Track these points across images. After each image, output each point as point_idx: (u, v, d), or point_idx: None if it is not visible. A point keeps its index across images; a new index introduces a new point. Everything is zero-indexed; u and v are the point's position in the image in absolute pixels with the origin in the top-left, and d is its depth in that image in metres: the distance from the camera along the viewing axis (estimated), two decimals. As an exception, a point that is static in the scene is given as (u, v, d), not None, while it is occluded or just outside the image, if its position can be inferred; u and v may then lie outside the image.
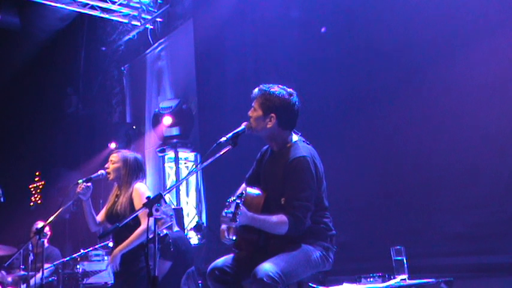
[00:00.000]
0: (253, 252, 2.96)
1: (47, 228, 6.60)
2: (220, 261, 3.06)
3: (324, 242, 3.03)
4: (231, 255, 3.08)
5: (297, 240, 2.96)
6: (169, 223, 5.44)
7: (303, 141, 3.14)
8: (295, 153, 2.99)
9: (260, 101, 3.06)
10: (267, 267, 2.74)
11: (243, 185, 3.33)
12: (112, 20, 9.86)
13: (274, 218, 2.86)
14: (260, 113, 3.05)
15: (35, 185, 12.06)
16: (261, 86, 3.12)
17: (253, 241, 2.96)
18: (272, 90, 3.07)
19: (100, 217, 4.21)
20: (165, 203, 6.30)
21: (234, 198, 2.70)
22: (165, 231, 5.30)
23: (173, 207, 7.66)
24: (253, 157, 3.39)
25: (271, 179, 3.09)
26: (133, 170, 4.13)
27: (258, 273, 2.72)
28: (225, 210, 2.69)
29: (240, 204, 2.68)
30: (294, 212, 2.86)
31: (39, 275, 4.70)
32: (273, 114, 3.02)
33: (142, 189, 4.03)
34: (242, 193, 2.82)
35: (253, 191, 3.07)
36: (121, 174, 4.12)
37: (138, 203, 3.92)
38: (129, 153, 4.25)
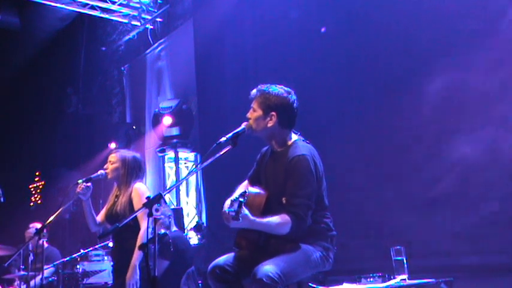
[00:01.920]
0: (254, 251, 2.96)
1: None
2: (221, 259, 3.06)
3: (325, 242, 3.03)
4: (232, 254, 3.08)
5: (297, 240, 2.95)
6: (167, 223, 5.45)
7: (303, 141, 3.14)
8: (294, 152, 3.00)
9: (259, 101, 3.07)
10: (267, 267, 2.74)
11: (245, 182, 3.33)
12: (112, 20, 9.86)
13: (276, 219, 2.85)
14: (260, 113, 3.05)
15: (35, 185, 12.07)
16: (259, 86, 3.13)
17: (253, 240, 2.96)
18: (271, 89, 3.09)
19: (100, 217, 4.21)
20: (165, 203, 6.31)
21: (237, 196, 2.69)
22: (162, 231, 5.31)
23: (173, 207, 7.67)
24: (253, 157, 3.39)
25: (273, 179, 3.09)
26: (132, 170, 4.12)
27: (258, 273, 2.72)
28: (228, 208, 2.69)
29: (243, 204, 2.67)
30: (295, 210, 2.87)
31: (39, 278, 4.70)
32: (273, 113, 3.04)
33: (142, 189, 4.03)
34: (245, 191, 2.80)
35: (255, 190, 3.07)
36: (120, 174, 4.12)
37: (137, 203, 3.92)
38: (127, 153, 4.25)
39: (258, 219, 2.82)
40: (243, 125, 3.04)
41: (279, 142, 3.12)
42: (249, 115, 3.10)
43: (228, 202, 2.86)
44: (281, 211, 2.88)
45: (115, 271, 4.17)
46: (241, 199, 2.66)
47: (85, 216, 4.14)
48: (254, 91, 3.13)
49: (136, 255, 3.85)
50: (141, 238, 3.85)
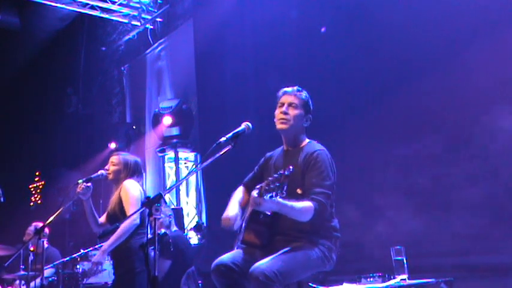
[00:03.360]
0: (260, 249, 2.96)
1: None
2: (227, 257, 3.04)
3: (329, 242, 3.04)
4: (238, 251, 3.07)
5: (302, 238, 2.97)
6: (167, 223, 5.46)
7: (317, 143, 3.23)
8: (314, 147, 3.13)
9: (304, 101, 3.19)
10: (263, 266, 2.75)
11: (241, 188, 3.34)
12: (112, 20, 9.87)
13: (300, 204, 2.86)
14: (302, 112, 3.18)
15: (35, 185, 12.07)
16: (295, 86, 3.24)
17: (260, 237, 2.95)
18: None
19: (103, 218, 4.24)
20: (165, 203, 6.31)
21: (282, 172, 2.61)
22: (163, 230, 5.32)
23: (173, 207, 7.67)
24: (252, 158, 3.39)
25: None
26: (133, 173, 4.16)
27: (254, 271, 2.73)
28: (267, 186, 2.60)
29: (289, 175, 2.61)
30: (317, 197, 2.90)
31: (38, 280, 4.70)
32: (310, 116, 3.23)
33: (128, 185, 4.04)
34: (290, 168, 2.69)
35: None
36: (120, 176, 4.14)
37: (125, 199, 3.95)
38: (129, 157, 4.28)
39: (283, 201, 2.79)
40: (243, 125, 3.03)
41: (297, 142, 3.20)
42: (286, 110, 3.14)
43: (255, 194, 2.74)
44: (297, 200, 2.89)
45: (114, 268, 4.18)
46: (286, 172, 2.60)
47: (86, 216, 4.15)
48: (293, 89, 3.21)
49: (109, 241, 3.91)
50: (122, 228, 3.85)
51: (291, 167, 2.71)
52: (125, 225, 3.87)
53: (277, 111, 3.20)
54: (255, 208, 2.79)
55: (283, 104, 3.17)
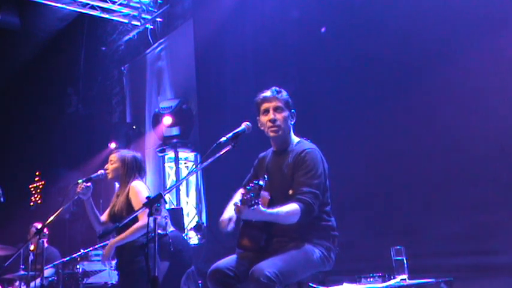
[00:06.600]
0: (256, 252, 2.95)
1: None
2: (221, 263, 3.03)
3: (327, 241, 3.04)
4: (233, 256, 3.07)
5: (299, 239, 2.96)
6: (164, 224, 5.45)
7: (309, 141, 3.20)
8: (303, 146, 3.09)
9: (285, 100, 3.13)
10: (264, 267, 2.74)
11: (241, 190, 3.33)
12: (112, 20, 9.87)
13: (285, 208, 2.84)
14: (287, 113, 3.13)
15: (35, 185, 12.07)
16: (272, 88, 3.15)
17: (256, 239, 2.95)
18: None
19: (104, 217, 4.22)
20: (165, 203, 6.30)
21: (256, 181, 2.58)
22: (160, 232, 5.31)
23: (173, 207, 7.68)
24: (253, 157, 3.39)
25: (278, 174, 3.10)
26: (132, 169, 4.12)
27: (255, 273, 2.72)
28: (246, 195, 2.56)
29: (263, 187, 2.58)
30: (304, 197, 2.88)
31: (38, 280, 4.70)
32: (294, 111, 3.16)
33: (138, 187, 4.00)
34: (264, 177, 2.72)
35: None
36: (120, 174, 4.12)
37: (135, 201, 3.90)
38: (127, 153, 4.24)
39: (268, 210, 2.79)
40: (243, 125, 3.02)
41: (287, 142, 3.16)
42: (273, 117, 3.07)
43: (237, 196, 2.76)
44: (288, 203, 2.88)
45: (117, 269, 4.18)
46: (261, 182, 2.57)
47: (88, 216, 4.14)
48: (272, 92, 3.12)
49: (118, 238, 3.88)
50: (134, 229, 3.82)
51: (265, 176, 2.73)
52: (135, 228, 3.83)
53: (264, 119, 3.12)
54: (238, 215, 2.73)
55: (267, 111, 3.11)
